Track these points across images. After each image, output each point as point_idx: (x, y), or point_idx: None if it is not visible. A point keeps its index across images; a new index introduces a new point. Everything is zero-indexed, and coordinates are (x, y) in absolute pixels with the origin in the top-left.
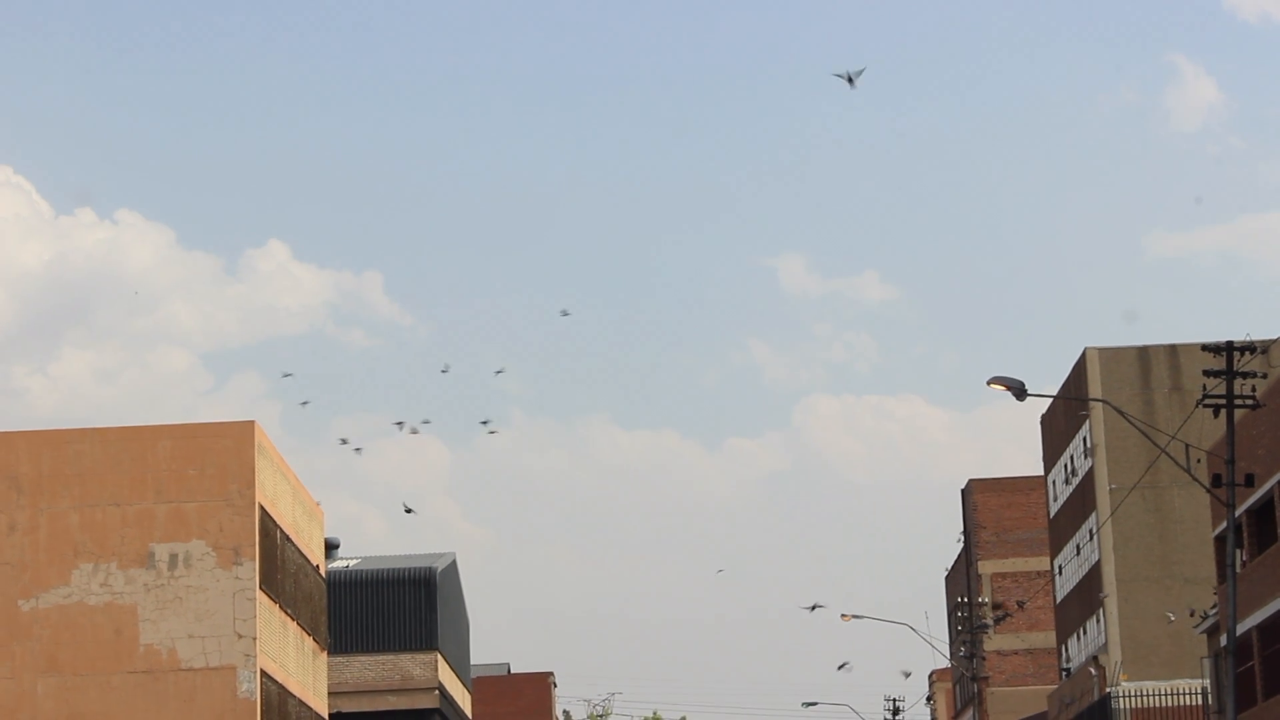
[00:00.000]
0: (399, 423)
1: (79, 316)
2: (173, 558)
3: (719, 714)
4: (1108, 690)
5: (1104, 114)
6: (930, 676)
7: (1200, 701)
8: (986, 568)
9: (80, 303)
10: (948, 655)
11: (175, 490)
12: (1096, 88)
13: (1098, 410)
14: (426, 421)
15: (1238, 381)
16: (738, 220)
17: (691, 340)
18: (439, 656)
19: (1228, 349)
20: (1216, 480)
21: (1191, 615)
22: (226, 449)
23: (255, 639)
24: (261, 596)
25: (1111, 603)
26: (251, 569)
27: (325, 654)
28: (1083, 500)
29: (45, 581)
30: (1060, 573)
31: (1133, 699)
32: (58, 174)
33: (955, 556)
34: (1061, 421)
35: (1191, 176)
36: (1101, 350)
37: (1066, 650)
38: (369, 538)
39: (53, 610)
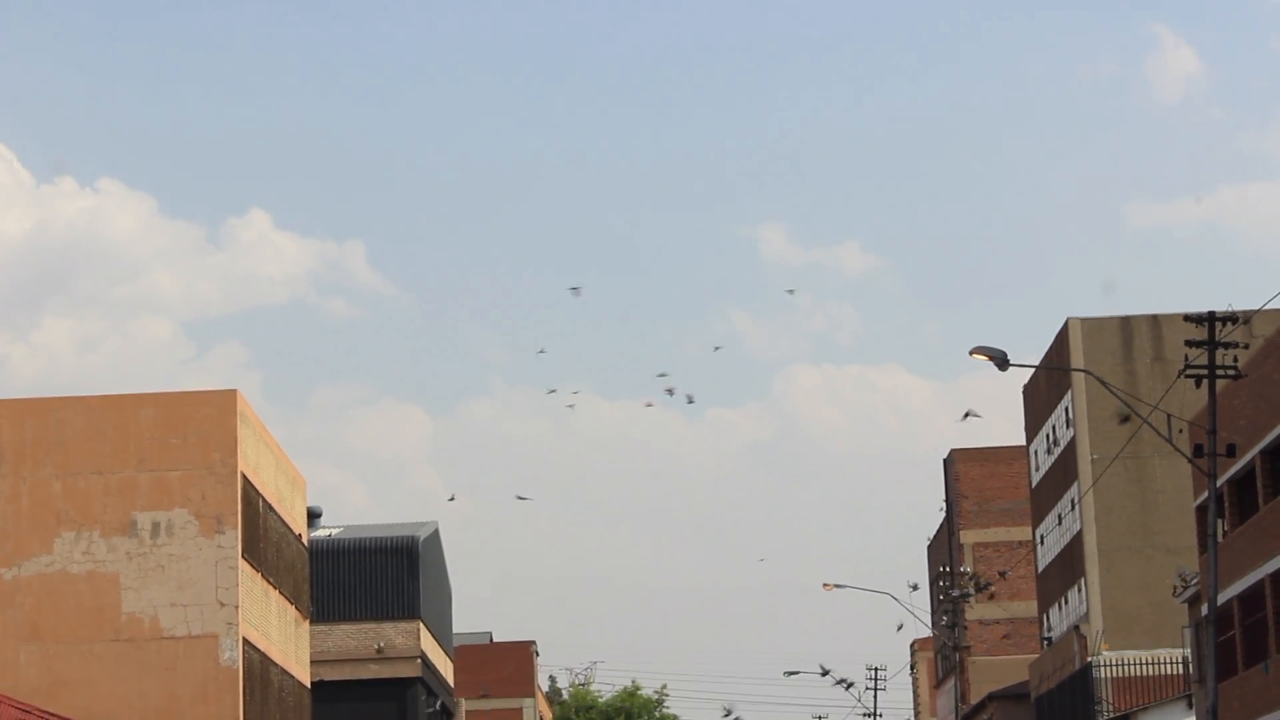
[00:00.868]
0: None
1: (60, 285)
2: (155, 526)
3: (700, 683)
4: (1089, 659)
5: (1085, 85)
6: (912, 646)
7: (1181, 671)
8: (968, 537)
9: (61, 271)
10: (929, 625)
11: (157, 459)
12: (1077, 58)
13: (1079, 380)
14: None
15: (1220, 352)
16: (718, 191)
17: (672, 310)
18: (421, 625)
19: (1210, 319)
20: (1198, 450)
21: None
22: (209, 418)
23: (237, 607)
24: (244, 565)
25: (1093, 572)
26: (234, 537)
27: (307, 622)
28: (1064, 470)
29: (27, 550)
30: (1042, 542)
31: (1114, 668)
32: (39, 143)
33: (937, 526)
34: (1043, 391)
35: (1172, 148)
36: (1084, 320)
37: (1048, 620)
38: (351, 506)
39: (35, 579)
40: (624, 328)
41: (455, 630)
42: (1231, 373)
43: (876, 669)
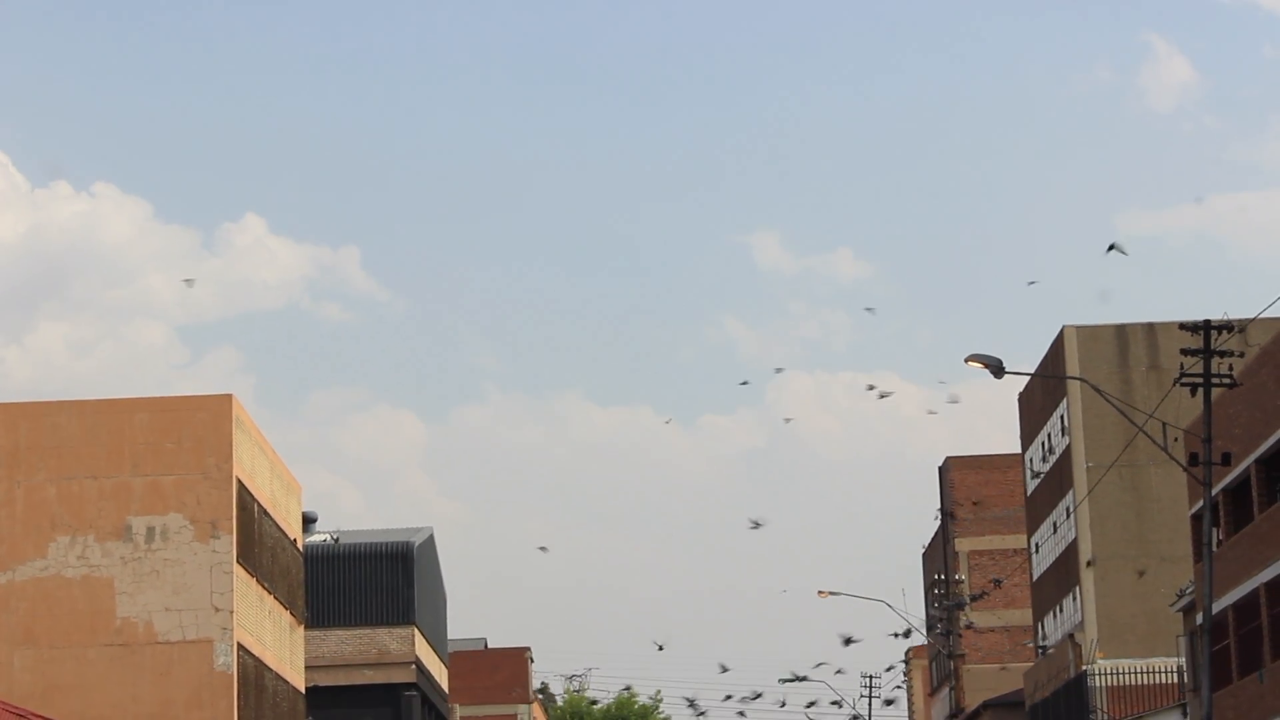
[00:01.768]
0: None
1: (55, 289)
2: (150, 531)
3: (694, 689)
4: (1083, 668)
5: (1079, 93)
6: (906, 653)
7: (1176, 680)
8: (963, 545)
9: (56, 275)
10: (924, 632)
11: (152, 463)
12: (1071, 67)
13: (1075, 388)
14: None
15: (1215, 360)
16: (713, 197)
17: (666, 317)
18: (416, 631)
19: (1205, 328)
20: (1193, 459)
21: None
22: (204, 422)
23: (232, 612)
24: (239, 570)
25: (1088, 580)
26: (229, 542)
27: (302, 628)
28: (1060, 478)
29: (22, 554)
30: (1037, 551)
31: (1108, 677)
32: (34, 147)
33: (932, 534)
34: (1039, 399)
35: (1165, 156)
36: (1079, 328)
37: (1042, 628)
38: (345, 512)
39: (29, 583)
40: (618, 334)
41: (450, 636)
42: (1227, 381)
43: (871, 677)
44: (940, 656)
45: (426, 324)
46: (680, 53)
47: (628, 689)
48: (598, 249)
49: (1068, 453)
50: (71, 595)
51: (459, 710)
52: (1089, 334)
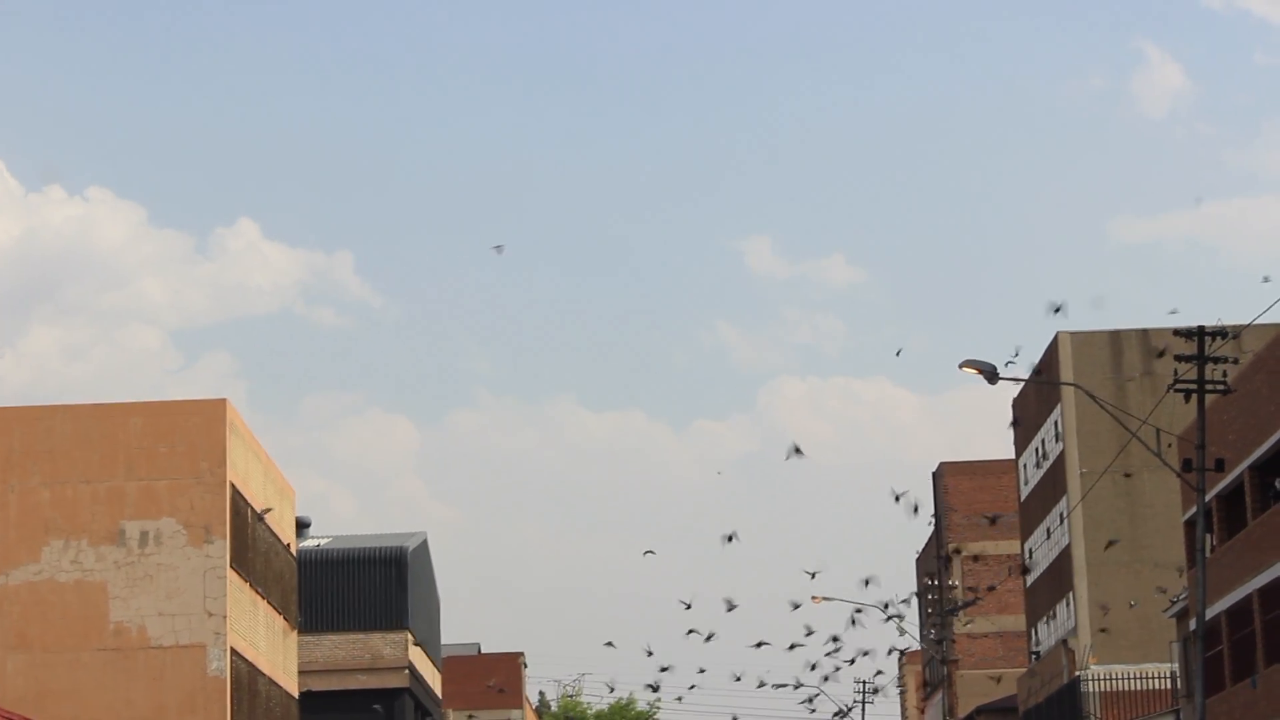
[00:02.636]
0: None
1: (48, 293)
2: (143, 535)
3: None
4: (1077, 673)
5: (1072, 100)
6: (900, 659)
7: (1169, 685)
8: (956, 550)
9: (50, 279)
10: (917, 638)
11: (146, 468)
12: (1064, 74)
13: (1069, 394)
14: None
15: (1209, 366)
16: (706, 203)
17: (659, 322)
18: (409, 636)
19: (1199, 334)
20: (1187, 465)
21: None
22: (197, 427)
23: (225, 617)
24: (232, 575)
25: (1081, 586)
26: (222, 547)
27: (295, 633)
28: (1053, 484)
29: (15, 558)
30: (1030, 556)
31: (1102, 682)
32: (27, 151)
33: (926, 539)
34: (1033, 405)
35: (1158, 163)
36: (1073, 334)
37: (1036, 633)
38: (337, 516)
39: (23, 587)
40: (610, 339)
41: (443, 641)
42: (1221, 387)
43: (864, 682)
44: (933, 662)
45: (420, 328)
46: (674, 59)
47: (628, 695)
48: (591, 254)
49: (1061, 458)
50: (65, 599)
51: (452, 715)
52: (1083, 340)
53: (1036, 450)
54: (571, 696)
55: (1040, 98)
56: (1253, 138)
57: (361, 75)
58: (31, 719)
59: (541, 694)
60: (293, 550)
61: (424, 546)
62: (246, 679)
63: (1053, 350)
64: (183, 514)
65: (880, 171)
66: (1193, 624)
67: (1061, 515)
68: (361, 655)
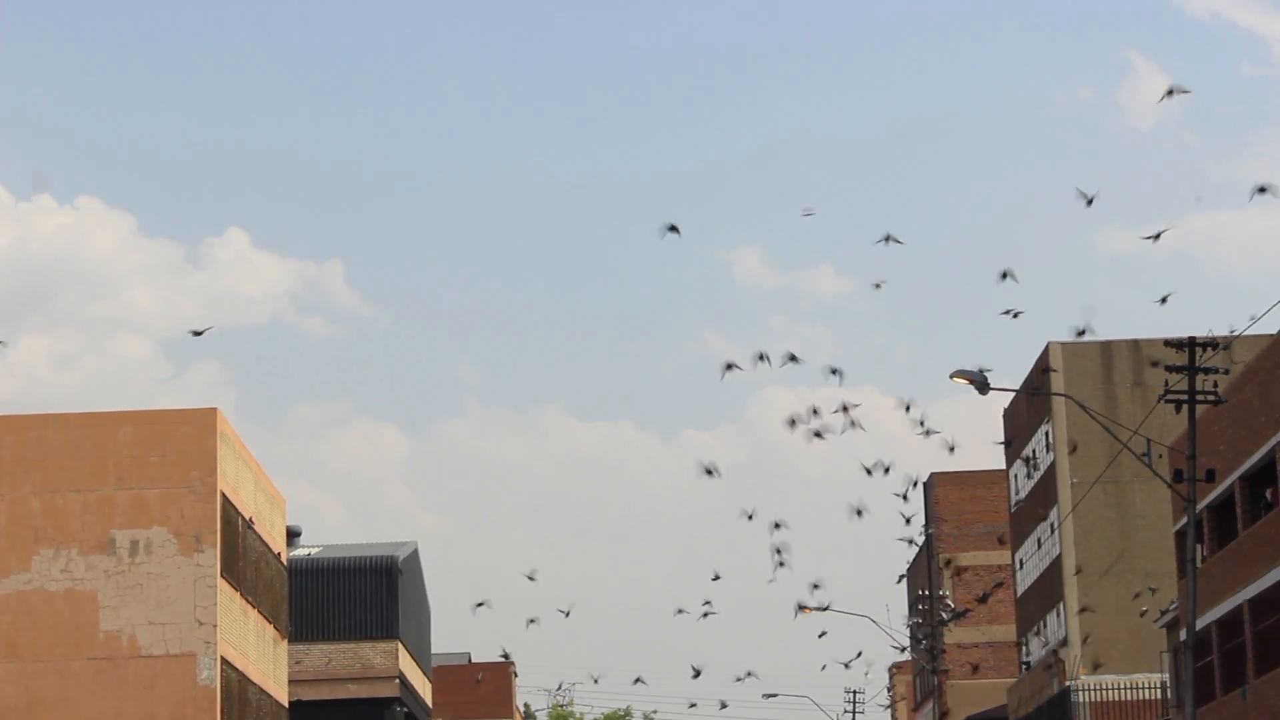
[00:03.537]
0: None
1: (38, 302)
2: (134, 544)
3: (677, 704)
4: (1067, 684)
5: (1059, 111)
6: (890, 669)
7: (1159, 696)
8: (947, 560)
9: (39, 288)
10: (907, 648)
11: (136, 477)
12: (1052, 84)
13: (1059, 404)
14: None
15: (1200, 377)
16: (694, 213)
17: (648, 332)
18: (399, 645)
19: (1190, 344)
20: (1178, 475)
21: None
22: (188, 436)
23: (216, 626)
24: (222, 584)
25: (1072, 596)
26: (213, 556)
27: (286, 642)
28: (1044, 494)
29: (5, 567)
30: (1021, 566)
31: (1092, 693)
32: (16, 161)
33: (916, 549)
34: (1023, 415)
35: (1145, 174)
36: (1064, 344)
37: (1026, 644)
38: (326, 525)
39: (12, 596)
40: (598, 349)
41: (434, 650)
42: (1211, 398)
43: (855, 692)
44: (924, 672)
45: (409, 338)
46: (663, 70)
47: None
48: (580, 264)
49: (1052, 469)
50: (55, 608)
51: None
52: (1073, 350)
53: (1027, 460)
54: (563, 706)
55: (1028, 109)
56: (1239, 149)
57: (352, 85)
58: None
59: (526, 705)
60: (283, 559)
61: (414, 556)
62: (237, 688)
63: (1043, 360)
64: (173, 523)
65: (868, 182)
66: (1183, 634)
67: (1052, 525)
68: (352, 664)
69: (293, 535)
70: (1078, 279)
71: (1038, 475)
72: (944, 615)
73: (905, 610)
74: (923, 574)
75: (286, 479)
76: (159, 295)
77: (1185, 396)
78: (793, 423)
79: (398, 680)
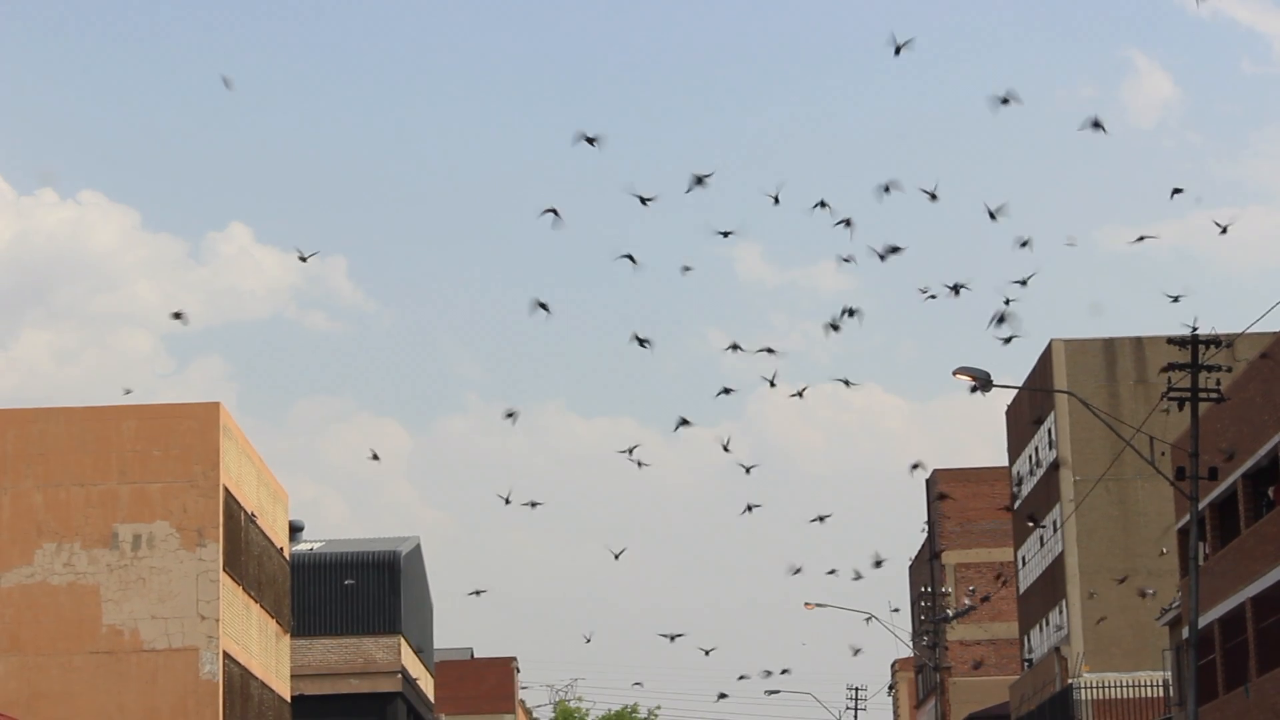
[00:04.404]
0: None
1: (40, 296)
2: (136, 538)
3: (678, 700)
4: (1069, 681)
5: (1061, 109)
6: (893, 666)
7: (1161, 694)
8: (950, 558)
9: (41, 283)
10: (910, 645)
11: (139, 471)
12: (1054, 82)
13: (1062, 402)
14: None
15: (1202, 375)
16: (695, 210)
17: (649, 328)
18: (402, 640)
19: (1193, 342)
20: (1180, 473)
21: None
22: (191, 430)
23: (218, 621)
24: (225, 578)
25: (1074, 594)
26: (215, 551)
27: (288, 636)
28: (1047, 492)
29: (8, 561)
30: (1023, 564)
31: (1094, 690)
32: (19, 155)
33: (919, 547)
34: (1026, 413)
35: (1147, 172)
36: (1067, 342)
37: (1029, 641)
38: (329, 521)
39: (15, 590)
40: (599, 345)
41: (436, 645)
42: (1214, 396)
43: (857, 689)
44: (926, 669)
45: (411, 333)
46: (664, 66)
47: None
48: (580, 260)
49: (1055, 466)
50: (57, 602)
51: (444, 719)
52: (1077, 348)
53: (1030, 458)
54: (570, 701)
55: (1030, 107)
56: (1241, 148)
57: (355, 81)
58: None
59: (522, 702)
60: (286, 554)
61: (417, 551)
62: (239, 682)
63: (1046, 358)
64: (176, 517)
65: (870, 179)
66: (1185, 632)
67: (1055, 523)
68: (354, 659)
69: (295, 530)
70: (1077, 277)
71: (1040, 473)
72: (948, 613)
73: (908, 608)
74: (925, 571)
75: (288, 474)
76: (161, 290)
77: (1188, 394)
78: (735, 347)
79: (400, 675)
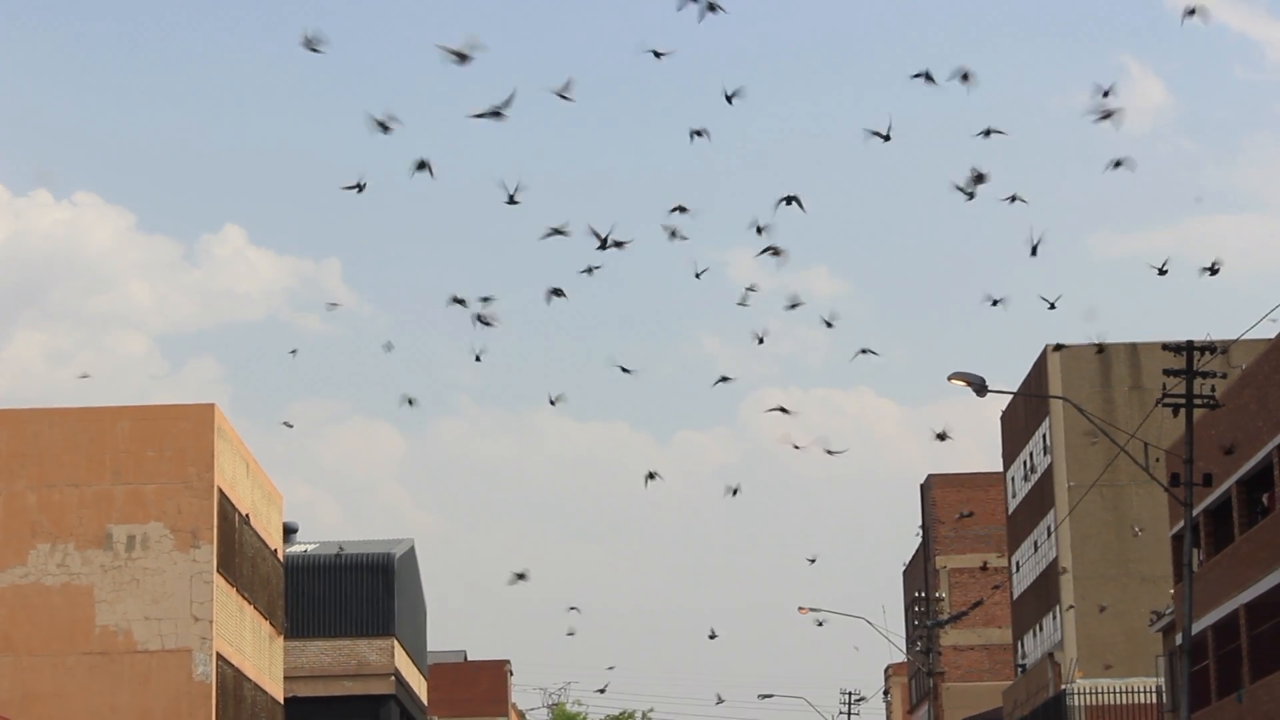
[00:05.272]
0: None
1: (34, 298)
2: (130, 539)
3: (673, 704)
4: (1063, 687)
5: (1054, 115)
6: (886, 671)
7: (1155, 700)
8: (944, 563)
9: (36, 284)
10: (904, 650)
11: (133, 472)
12: (1048, 89)
13: (1057, 408)
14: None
15: (1197, 381)
16: (688, 214)
17: (643, 333)
18: (395, 643)
19: (1188, 348)
20: (1175, 479)
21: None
22: (186, 431)
23: (212, 622)
24: (219, 580)
25: (1068, 599)
26: (209, 552)
27: (282, 638)
28: (1041, 497)
29: (2, 561)
30: (1018, 569)
31: (1087, 696)
32: (13, 156)
33: (913, 551)
34: (1021, 418)
35: (1140, 178)
36: (1062, 348)
37: (1022, 647)
38: (322, 523)
39: (8, 590)
40: (593, 350)
41: (430, 648)
42: (1209, 402)
43: (851, 694)
44: (919, 674)
45: (405, 336)
46: (658, 70)
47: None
48: (574, 264)
49: (1049, 472)
50: (51, 603)
51: None
52: (1071, 353)
53: (1024, 463)
54: (566, 704)
55: (1024, 113)
56: (1234, 154)
57: (349, 83)
58: None
59: (515, 705)
60: (279, 556)
61: (411, 553)
62: (232, 684)
63: (1041, 363)
64: (170, 518)
65: (864, 184)
66: (1179, 638)
67: (1049, 528)
68: (348, 661)
69: (290, 532)
70: (1071, 283)
71: (1035, 478)
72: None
73: (902, 612)
74: (919, 576)
75: (281, 477)
76: (156, 292)
77: (1183, 400)
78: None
79: (393, 677)
